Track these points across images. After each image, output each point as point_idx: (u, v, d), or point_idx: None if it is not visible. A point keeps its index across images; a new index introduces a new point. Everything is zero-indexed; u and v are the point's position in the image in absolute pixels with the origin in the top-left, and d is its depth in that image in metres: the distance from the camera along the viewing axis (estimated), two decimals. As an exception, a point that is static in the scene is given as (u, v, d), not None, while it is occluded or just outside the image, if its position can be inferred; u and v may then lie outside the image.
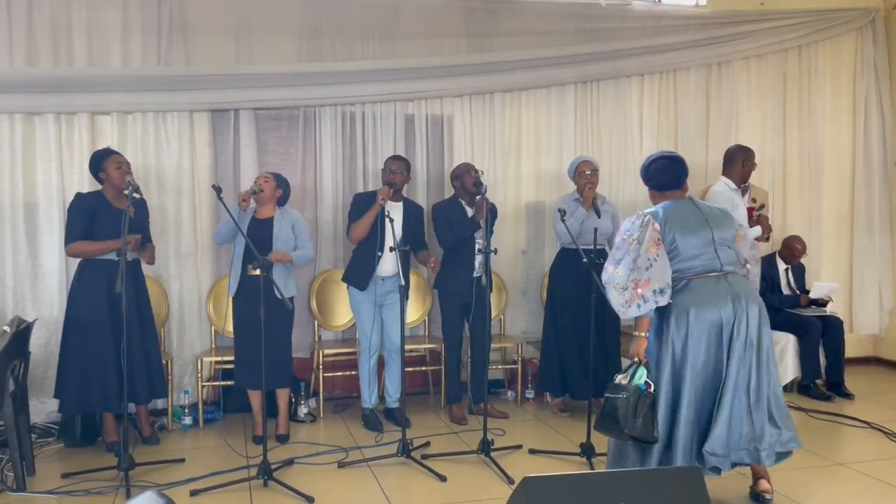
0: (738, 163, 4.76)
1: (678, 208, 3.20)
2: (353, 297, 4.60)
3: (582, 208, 4.54)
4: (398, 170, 4.51)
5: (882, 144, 6.08)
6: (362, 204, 4.48)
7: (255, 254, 3.59)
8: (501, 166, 5.41)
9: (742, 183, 4.83)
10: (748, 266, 3.38)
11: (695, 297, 3.09)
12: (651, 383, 3.07)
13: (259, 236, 4.10)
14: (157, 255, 4.32)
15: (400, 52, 5.18)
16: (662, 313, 3.14)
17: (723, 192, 4.67)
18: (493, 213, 4.64)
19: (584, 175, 4.60)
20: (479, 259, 4.50)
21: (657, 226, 3.10)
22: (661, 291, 3.05)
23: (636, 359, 3.12)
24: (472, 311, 4.51)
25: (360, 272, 4.50)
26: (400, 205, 4.59)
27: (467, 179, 4.56)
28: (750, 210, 4.75)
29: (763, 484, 3.31)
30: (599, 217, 4.53)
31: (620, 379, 3.12)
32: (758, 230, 4.68)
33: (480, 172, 4.60)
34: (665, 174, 3.31)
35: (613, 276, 3.13)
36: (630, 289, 3.07)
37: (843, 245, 6.17)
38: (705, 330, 3.07)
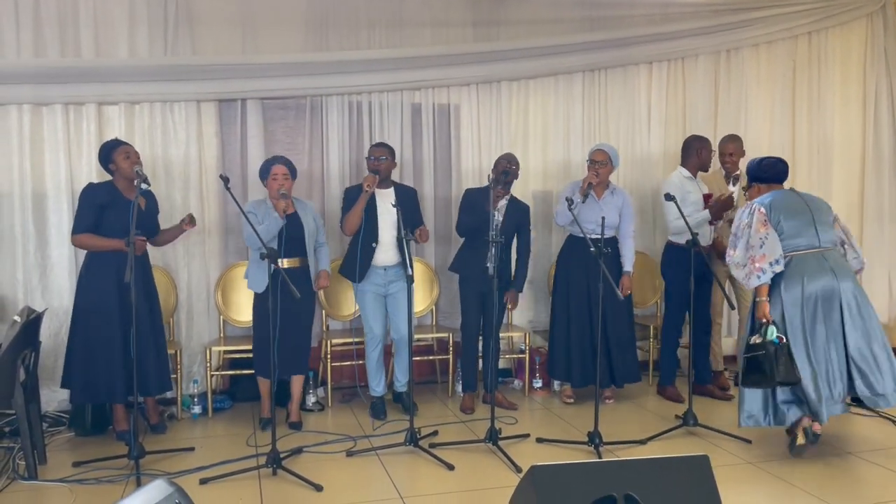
0: (694, 152, 4.86)
1: (781, 196, 3.84)
2: (356, 289, 4.59)
3: (578, 192, 4.54)
4: (381, 155, 4.47)
5: (892, 132, 6.04)
6: (352, 195, 4.47)
7: (264, 245, 3.62)
8: (508, 155, 5.39)
9: (700, 171, 4.91)
10: (844, 248, 3.97)
11: (800, 270, 3.67)
12: (783, 336, 3.63)
13: (292, 234, 4.14)
14: (164, 246, 4.35)
15: (406, 41, 5.17)
16: (775, 282, 3.71)
17: (671, 181, 4.83)
18: (525, 212, 4.67)
19: (593, 163, 4.60)
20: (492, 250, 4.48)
21: (762, 210, 3.75)
22: (777, 262, 3.66)
23: (764, 319, 3.69)
24: (485, 301, 4.55)
25: (354, 264, 4.48)
26: (391, 191, 4.52)
27: (498, 167, 4.58)
28: (706, 197, 4.78)
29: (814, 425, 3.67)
30: (583, 202, 4.51)
31: (755, 339, 3.69)
32: (706, 213, 4.70)
33: (510, 169, 4.57)
34: (775, 169, 3.95)
35: (734, 258, 3.82)
36: (748, 265, 3.71)
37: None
38: (809, 296, 3.65)
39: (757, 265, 3.67)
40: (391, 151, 4.56)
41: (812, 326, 3.66)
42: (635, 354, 4.88)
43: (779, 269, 3.66)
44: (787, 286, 3.69)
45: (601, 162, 4.57)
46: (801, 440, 3.66)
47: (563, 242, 4.88)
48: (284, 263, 4.15)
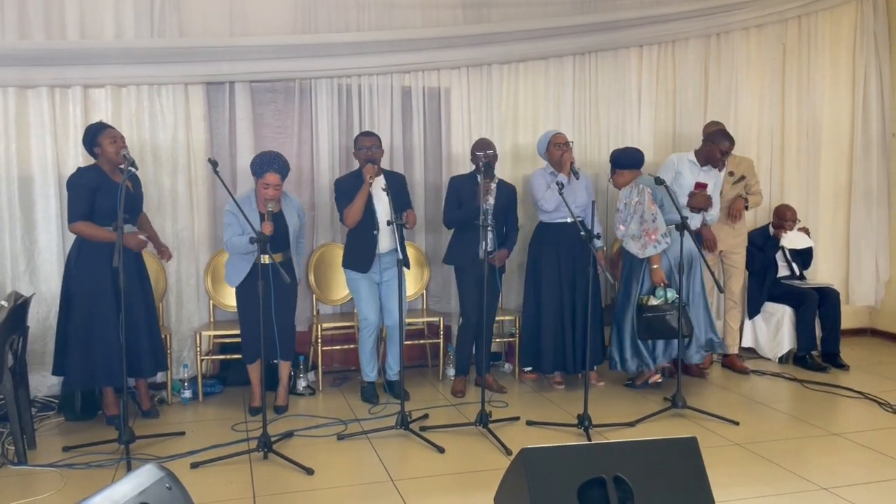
0: (708, 143, 4.74)
1: (648, 180, 4.48)
2: (350, 277, 4.57)
3: (563, 175, 4.54)
4: (374, 144, 4.44)
5: (881, 116, 6.06)
6: (347, 186, 4.44)
7: (254, 229, 3.61)
8: (499, 139, 5.34)
9: (706, 163, 4.78)
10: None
11: (675, 239, 4.31)
12: (679, 297, 4.34)
13: (275, 233, 4.04)
14: (153, 230, 4.33)
15: (396, 23, 5.12)
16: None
17: (668, 161, 4.91)
18: (513, 192, 4.70)
19: (560, 146, 4.59)
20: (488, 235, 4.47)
21: (649, 191, 4.41)
22: (666, 235, 4.36)
23: (662, 283, 4.42)
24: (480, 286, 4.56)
25: (360, 254, 4.46)
26: (381, 177, 4.48)
27: (479, 158, 4.54)
28: (700, 185, 4.72)
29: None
30: (578, 179, 4.55)
31: (653, 301, 4.43)
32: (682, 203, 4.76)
33: (486, 154, 4.55)
34: (634, 157, 4.67)
35: (627, 231, 4.45)
36: (643, 237, 4.37)
37: (841, 217, 6.17)
38: (684, 259, 4.36)
39: (652, 237, 4.36)
40: (379, 139, 4.54)
41: (687, 283, 4.52)
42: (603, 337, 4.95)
43: (668, 241, 4.36)
44: (668, 253, 4.45)
45: (567, 143, 4.61)
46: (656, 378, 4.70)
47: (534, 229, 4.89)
48: (265, 259, 4.10)
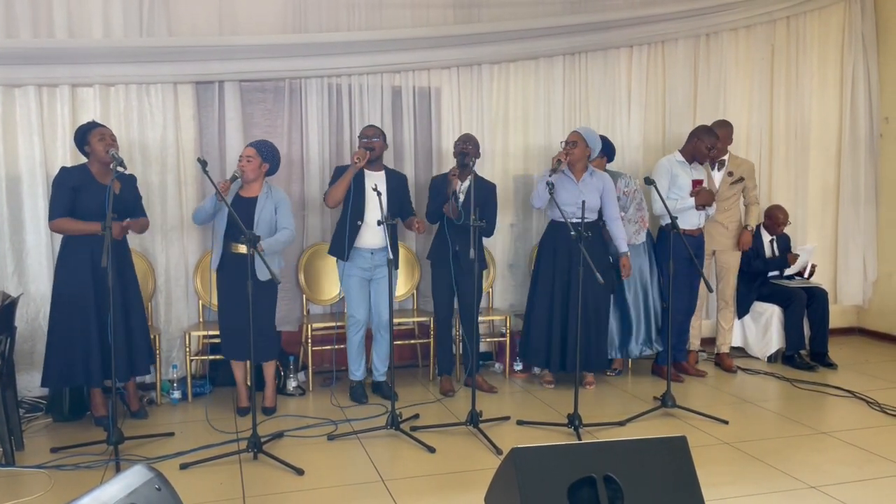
0: (694, 140, 4.91)
1: (617, 174, 4.95)
2: (342, 272, 4.57)
3: (548, 171, 4.54)
4: (374, 135, 4.47)
5: (868, 116, 6.09)
6: (340, 172, 4.47)
7: (243, 228, 3.56)
8: (489, 139, 5.37)
9: (693, 160, 4.94)
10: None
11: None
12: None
13: (241, 217, 3.93)
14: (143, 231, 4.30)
15: (386, 23, 5.12)
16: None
17: (660, 164, 4.99)
18: (491, 191, 4.69)
19: (561, 143, 4.63)
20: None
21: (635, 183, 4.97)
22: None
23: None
24: (455, 284, 4.58)
25: (340, 241, 4.49)
26: (382, 174, 4.54)
27: (455, 149, 4.58)
28: (696, 182, 4.87)
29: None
30: (551, 179, 4.44)
31: None
32: (692, 201, 4.81)
33: (467, 150, 4.55)
34: (613, 149, 5.12)
35: (627, 215, 4.79)
36: (638, 222, 4.86)
37: (829, 216, 6.21)
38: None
39: (645, 224, 4.87)
40: (383, 134, 4.56)
41: (642, 283, 5.03)
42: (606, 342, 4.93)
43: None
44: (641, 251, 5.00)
45: (572, 143, 4.58)
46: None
47: (544, 227, 4.90)
48: (239, 248, 4.08)
